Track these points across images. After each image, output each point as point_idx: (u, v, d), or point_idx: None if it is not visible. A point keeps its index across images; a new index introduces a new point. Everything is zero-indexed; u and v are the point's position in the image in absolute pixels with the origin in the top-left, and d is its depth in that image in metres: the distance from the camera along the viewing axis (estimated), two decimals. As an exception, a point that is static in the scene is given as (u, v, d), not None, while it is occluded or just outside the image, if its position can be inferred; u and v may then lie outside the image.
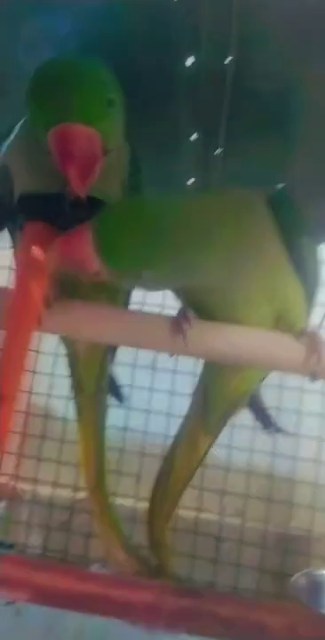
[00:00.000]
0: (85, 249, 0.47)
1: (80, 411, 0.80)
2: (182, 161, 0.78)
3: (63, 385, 1.01)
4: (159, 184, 0.67)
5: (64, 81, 0.47)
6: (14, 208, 0.58)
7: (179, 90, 0.65)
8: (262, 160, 0.75)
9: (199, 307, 0.62)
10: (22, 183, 0.58)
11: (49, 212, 0.52)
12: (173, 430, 0.86)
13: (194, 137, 0.72)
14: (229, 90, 0.62)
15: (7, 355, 0.51)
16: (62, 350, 0.79)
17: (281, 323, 0.61)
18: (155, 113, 0.70)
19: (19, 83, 0.56)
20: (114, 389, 0.86)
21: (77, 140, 0.47)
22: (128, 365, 1.03)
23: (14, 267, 0.63)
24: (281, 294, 0.60)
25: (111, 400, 0.91)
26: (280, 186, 0.61)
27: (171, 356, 0.69)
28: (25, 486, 1.09)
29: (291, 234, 0.58)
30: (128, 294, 0.74)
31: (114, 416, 0.99)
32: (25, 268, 0.54)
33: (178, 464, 0.81)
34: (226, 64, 0.60)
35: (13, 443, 1.10)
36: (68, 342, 0.75)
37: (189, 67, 0.62)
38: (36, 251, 0.49)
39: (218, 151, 0.72)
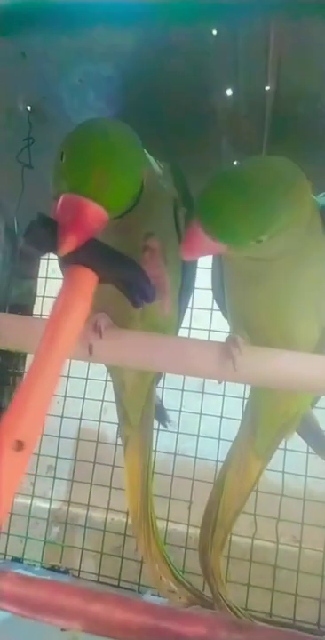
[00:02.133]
0: (201, 240, 0.49)
1: (125, 441, 0.81)
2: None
3: (113, 410, 1.03)
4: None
5: (103, 162, 0.48)
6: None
7: (220, 119, 0.67)
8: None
9: (249, 323, 0.62)
10: None
11: (94, 258, 0.53)
12: (223, 455, 0.86)
13: (236, 163, 0.73)
14: (269, 116, 0.63)
15: (32, 393, 0.45)
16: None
17: None
18: (200, 142, 0.72)
19: (63, 124, 0.59)
20: (160, 413, 0.87)
21: (89, 220, 0.48)
22: (177, 390, 1.03)
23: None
24: None
25: (161, 425, 0.92)
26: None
27: (220, 382, 0.69)
28: (78, 511, 1.10)
29: None
30: (178, 322, 0.75)
31: (165, 441, 1.00)
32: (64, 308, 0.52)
33: (229, 490, 0.80)
34: (265, 93, 0.61)
35: (65, 469, 1.12)
36: (116, 373, 0.77)
37: (229, 97, 0.63)
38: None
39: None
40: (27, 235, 0.53)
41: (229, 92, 0.62)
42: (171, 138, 0.63)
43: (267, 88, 0.60)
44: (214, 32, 0.55)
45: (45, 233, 0.50)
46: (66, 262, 0.54)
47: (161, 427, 0.93)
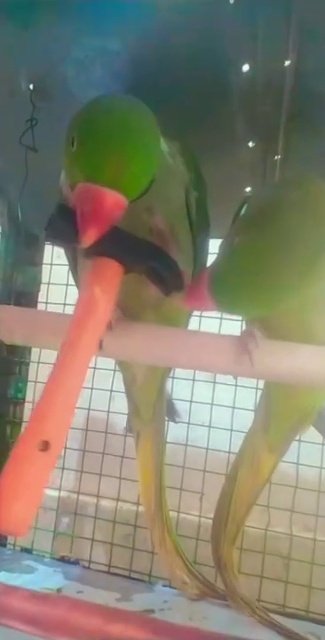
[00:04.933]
0: (203, 293, 0.48)
1: (137, 436, 0.79)
2: (240, 168, 0.75)
3: (122, 399, 1.01)
4: (216, 191, 0.64)
5: (120, 148, 0.44)
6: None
7: (236, 97, 0.63)
8: (322, 163, 0.71)
9: (263, 320, 0.59)
10: None
11: (120, 249, 0.51)
12: (235, 446, 0.84)
13: (251, 144, 0.69)
14: (288, 94, 0.59)
15: (58, 391, 0.44)
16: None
17: None
18: (213, 121, 0.68)
19: (68, 103, 0.56)
20: (169, 408, 0.85)
21: (108, 210, 0.45)
22: (188, 380, 1.01)
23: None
24: None
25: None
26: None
27: (235, 378, 0.66)
28: (88, 500, 1.09)
29: None
30: (189, 314, 0.72)
31: (175, 431, 0.98)
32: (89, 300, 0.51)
33: (242, 484, 0.78)
34: (285, 68, 0.56)
35: (74, 458, 1.11)
36: (126, 367, 0.74)
37: (245, 73, 0.59)
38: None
39: (277, 157, 0.69)
40: (47, 228, 0.51)
41: (246, 67, 0.58)
42: (183, 116, 0.60)
43: (287, 63, 0.56)
44: (231, 0, 0.51)
45: (66, 225, 0.48)
46: (89, 255, 0.51)
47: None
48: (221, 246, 0.53)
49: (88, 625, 0.48)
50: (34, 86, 0.69)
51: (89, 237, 0.45)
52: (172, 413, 0.85)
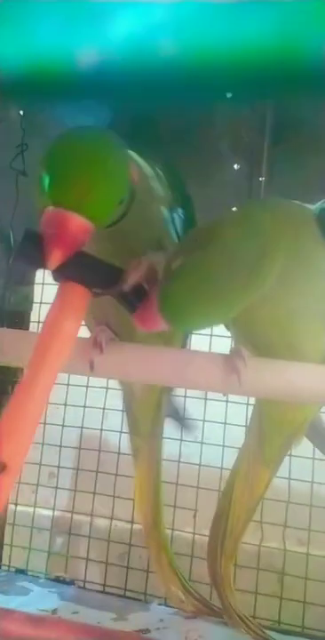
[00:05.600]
0: (153, 314, 0.50)
1: (135, 452, 0.80)
2: (226, 189, 0.77)
3: (115, 417, 1.01)
4: (203, 211, 0.66)
5: (82, 173, 0.47)
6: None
7: (220, 122, 0.65)
8: (306, 184, 0.73)
9: (251, 337, 0.61)
10: None
11: (85, 273, 0.52)
12: (228, 461, 0.84)
13: (236, 166, 0.71)
14: (270, 120, 0.60)
15: (20, 413, 0.45)
16: (112, 383, 0.79)
17: None
18: (199, 144, 0.70)
19: (57, 129, 0.57)
20: (180, 421, 0.85)
21: (73, 233, 0.47)
22: (179, 396, 1.01)
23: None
24: None
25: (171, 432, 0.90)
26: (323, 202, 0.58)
27: (225, 395, 0.67)
28: (82, 519, 1.09)
29: None
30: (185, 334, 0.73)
31: (168, 448, 0.98)
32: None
33: (238, 500, 0.78)
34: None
35: (67, 477, 1.11)
36: (125, 383, 0.75)
37: (229, 99, 0.61)
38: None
39: (261, 179, 0.71)
40: (17, 251, 0.53)
41: (228, 94, 0.60)
42: (169, 142, 0.61)
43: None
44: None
45: (34, 249, 0.49)
46: (57, 278, 0.53)
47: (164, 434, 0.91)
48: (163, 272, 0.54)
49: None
50: (23, 112, 0.70)
51: (54, 259, 0.47)
52: (186, 426, 0.86)
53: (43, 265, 0.48)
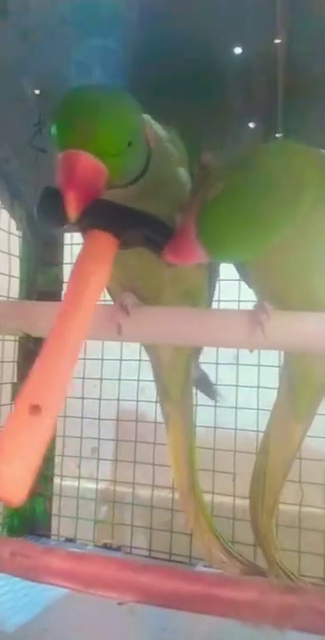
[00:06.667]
0: (190, 242, 0.48)
1: (167, 417, 0.81)
2: (243, 149, 0.76)
3: (150, 389, 1.03)
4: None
5: (88, 111, 0.48)
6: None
7: (232, 80, 0.64)
8: (323, 136, 0.71)
9: (273, 290, 0.61)
10: None
11: (110, 220, 0.52)
12: (263, 425, 0.85)
13: (252, 125, 0.71)
14: (282, 72, 0.60)
15: (52, 360, 0.44)
16: (145, 356, 0.80)
17: None
18: (212, 105, 0.69)
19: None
20: (207, 388, 0.86)
21: (82, 171, 0.47)
22: (211, 363, 1.02)
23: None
24: None
25: (200, 399, 0.92)
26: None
27: (252, 351, 0.68)
28: (124, 489, 1.12)
29: None
30: (211, 294, 0.73)
31: (203, 415, 0.99)
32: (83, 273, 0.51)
33: (274, 456, 0.79)
34: (276, 45, 0.58)
35: (108, 449, 1.14)
36: (152, 350, 0.76)
37: (238, 55, 0.61)
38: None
39: (278, 135, 0.70)
40: (37, 210, 0.53)
41: (238, 50, 0.59)
42: (184, 104, 0.61)
43: (277, 41, 0.57)
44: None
45: (55, 205, 0.49)
46: (82, 229, 0.53)
47: (199, 401, 0.93)
48: (194, 196, 0.53)
49: (121, 577, 0.51)
50: (39, 91, 0.72)
51: (71, 204, 0.47)
52: (211, 393, 0.87)
53: (65, 219, 0.48)
